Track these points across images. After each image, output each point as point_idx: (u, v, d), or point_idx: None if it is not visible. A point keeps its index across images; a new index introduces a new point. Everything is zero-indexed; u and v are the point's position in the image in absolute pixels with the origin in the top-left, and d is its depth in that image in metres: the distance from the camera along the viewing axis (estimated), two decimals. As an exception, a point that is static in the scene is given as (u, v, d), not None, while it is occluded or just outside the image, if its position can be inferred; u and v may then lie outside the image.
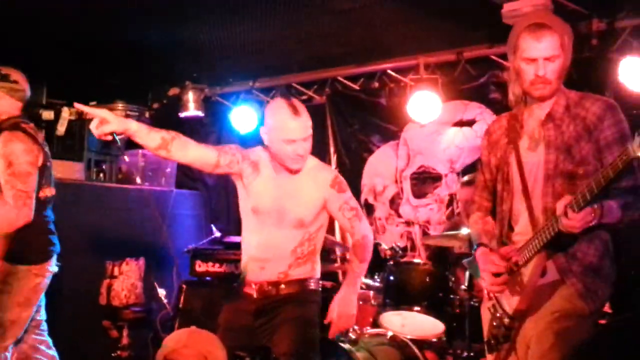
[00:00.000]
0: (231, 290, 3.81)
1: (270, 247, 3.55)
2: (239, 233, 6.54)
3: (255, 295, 3.55)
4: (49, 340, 4.35)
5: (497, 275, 3.08)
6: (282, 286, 3.55)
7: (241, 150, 3.55)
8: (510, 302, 3.04)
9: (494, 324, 3.14)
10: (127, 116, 6.78)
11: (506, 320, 3.06)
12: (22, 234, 3.92)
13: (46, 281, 4.14)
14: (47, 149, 4.21)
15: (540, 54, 2.87)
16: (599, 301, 2.95)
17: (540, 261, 2.91)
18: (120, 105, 6.83)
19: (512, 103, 3.16)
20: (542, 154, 2.98)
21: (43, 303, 4.25)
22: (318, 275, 3.69)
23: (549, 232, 2.81)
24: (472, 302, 4.62)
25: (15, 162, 3.90)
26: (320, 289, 3.70)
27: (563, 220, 2.67)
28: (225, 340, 3.29)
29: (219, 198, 7.21)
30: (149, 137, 3.25)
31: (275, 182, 3.53)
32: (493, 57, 6.08)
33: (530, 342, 2.97)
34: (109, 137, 3.09)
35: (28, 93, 4.27)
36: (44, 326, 4.33)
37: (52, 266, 4.17)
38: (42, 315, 4.29)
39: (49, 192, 4.17)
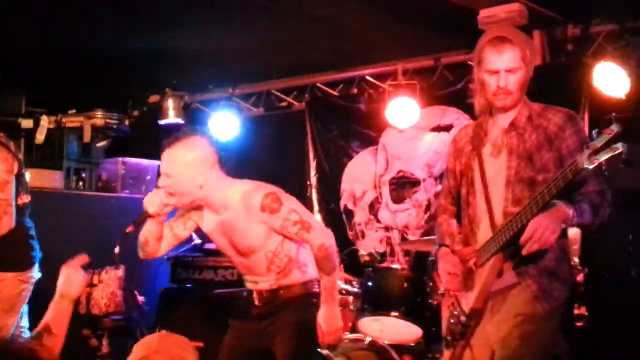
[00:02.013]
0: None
1: (248, 270, 3.62)
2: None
3: (257, 303, 3.61)
4: None
5: (454, 275, 3.20)
6: (281, 292, 3.57)
7: (187, 205, 3.59)
8: (468, 301, 3.14)
9: (452, 321, 3.25)
10: (106, 124, 6.81)
11: (463, 319, 3.15)
12: (5, 241, 3.99)
13: (30, 288, 4.20)
14: (20, 156, 4.25)
15: (502, 67, 2.99)
16: (554, 302, 3.02)
17: (496, 262, 3.01)
18: (99, 114, 6.81)
19: (477, 113, 3.27)
20: (504, 160, 3.09)
21: (26, 310, 4.27)
22: (312, 275, 3.59)
23: (506, 234, 2.92)
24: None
25: None
26: (315, 289, 3.61)
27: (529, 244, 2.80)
28: (237, 340, 3.65)
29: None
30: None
31: (216, 222, 3.53)
32: (471, 63, 6.09)
33: (495, 347, 3.07)
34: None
35: None
36: (27, 334, 4.35)
37: (36, 272, 4.23)
38: (25, 323, 4.32)
39: (26, 198, 4.24)
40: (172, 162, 3.40)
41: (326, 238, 3.50)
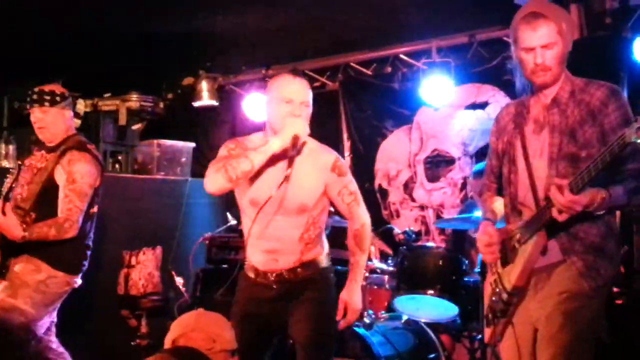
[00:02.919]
0: (238, 279, 3.73)
1: (276, 237, 3.44)
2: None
3: (274, 285, 3.48)
4: (57, 342, 4.54)
5: (491, 246, 3.20)
6: (299, 269, 3.47)
7: (240, 144, 3.48)
8: (510, 278, 3.10)
9: (493, 298, 3.22)
10: (141, 107, 6.86)
11: (504, 296, 3.12)
12: (66, 244, 4.15)
13: (69, 290, 4.36)
14: (103, 170, 4.48)
15: (537, 43, 2.95)
16: (601, 279, 2.97)
17: (540, 239, 2.97)
18: (134, 96, 6.85)
19: (519, 91, 3.26)
20: (546, 137, 3.05)
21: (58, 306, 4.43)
22: (327, 249, 3.62)
23: (550, 211, 2.86)
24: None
25: (78, 181, 4.18)
26: (330, 263, 3.63)
27: (557, 199, 2.73)
28: (243, 325, 3.37)
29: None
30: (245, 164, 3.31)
31: (275, 167, 3.38)
32: (506, 39, 6.03)
33: (538, 324, 3.03)
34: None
35: None
36: (54, 328, 4.50)
37: (79, 279, 4.38)
38: (55, 317, 4.45)
39: (95, 209, 4.42)
40: (308, 91, 3.45)
41: (368, 217, 3.61)
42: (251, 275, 3.56)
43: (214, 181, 3.30)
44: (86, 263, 4.41)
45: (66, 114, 4.38)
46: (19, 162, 4.51)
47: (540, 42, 2.94)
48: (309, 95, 3.45)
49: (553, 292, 2.98)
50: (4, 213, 4.03)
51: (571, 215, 2.77)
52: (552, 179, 2.94)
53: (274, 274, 3.47)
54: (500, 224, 3.29)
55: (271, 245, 3.45)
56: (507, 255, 3.17)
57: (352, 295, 3.51)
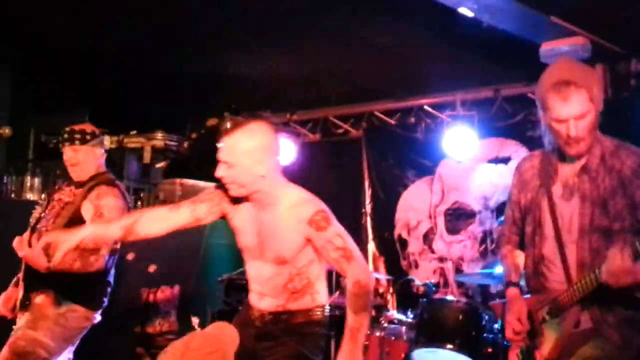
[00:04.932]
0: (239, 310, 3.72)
1: (262, 281, 3.37)
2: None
3: (257, 323, 3.38)
4: None
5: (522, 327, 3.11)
6: (284, 316, 3.34)
7: (220, 190, 3.37)
8: (541, 351, 3.05)
9: None
10: (165, 145, 6.94)
11: None
12: (88, 278, 4.15)
13: (89, 326, 4.32)
14: (131, 208, 4.52)
15: (569, 114, 2.85)
16: (632, 351, 2.92)
17: (575, 313, 2.93)
18: (159, 135, 6.95)
19: (547, 147, 3.15)
20: (576, 206, 2.97)
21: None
22: (323, 301, 3.39)
23: (588, 286, 2.83)
24: (505, 342, 4.58)
25: (106, 215, 4.18)
26: (327, 316, 3.40)
27: (614, 268, 2.68)
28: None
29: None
30: (110, 232, 3.33)
31: (254, 218, 3.31)
32: (530, 96, 6.08)
33: None
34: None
35: None
36: None
37: (98, 316, 4.36)
38: (71, 356, 4.46)
39: (119, 245, 4.42)
40: (234, 149, 3.12)
41: (364, 274, 3.23)
42: (247, 306, 3.50)
43: None
44: (106, 300, 4.40)
45: (97, 152, 4.43)
46: (48, 194, 4.57)
47: (573, 114, 2.84)
48: (235, 154, 3.16)
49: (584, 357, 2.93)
50: (30, 245, 4.07)
51: (619, 284, 2.71)
52: (585, 252, 2.92)
53: (258, 312, 3.37)
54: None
55: (257, 287, 3.38)
56: (535, 327, 3.11)
57: (346, 358, 3.18)
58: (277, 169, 3.25)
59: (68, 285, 4.14)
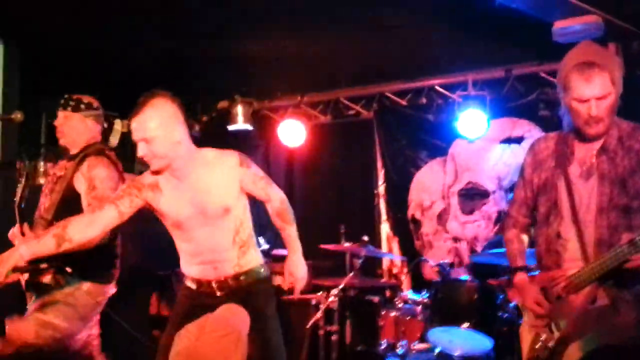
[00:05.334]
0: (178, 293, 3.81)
1: (210, 248, 3.53)
2: (285, 245, 6.61)
3: (218, 293, 3.54)
4: (103, 356, 4.47)
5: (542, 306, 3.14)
6: (242, 277, 3.54)
7: (135, 182, 3.54)
8: (557, 327, 3.08)
9: (537, 346, 3.16)
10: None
11: (551, 344, 3.09)
12: (92, 253, 4.00)
13: (105, 300, 4.28)
14: (125, 176, 4.39)
15: (591, 94, 2.90)
16: None
17: (592, 290, 2.96)
18: (170, 118, 6.92)
19: (565, 130, 3.18)
20: (595, 185, 3.01)
21: (98, 318, 4.37)
22: (261, 260, 3.70)
23: (607, 265, 2.85)
24: (520, 321, 4.59)
25: (99, 187, 4.09)
26: (269, 274, 3.73)
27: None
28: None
29: (266, 211, 7.23)
30: (44, 245, 3.35)
31: (181, 189, 3.48)
32: (542, 75, 6.07)
33: None
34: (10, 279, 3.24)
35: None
36: (97, 342, 4.45)
37: (112, 288, 4.31)
38: (96, 330, 4.42)
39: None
40: (146, 126, 3.33)
41: (281, 192, 3.74)
42: (193, 286, 3.62)
43: None
44: (116, 272, 4.31)
45: (89, 123, 4.33)
46: (46, 171, 4.49)
47: (595, 94, 2.89)
48: (149, 129, 3.35)
49: (604, 341, 2.95)
50: (23, 234, 4.05)
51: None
52: (604, 229, 2.94)
53: (216, 282, 3.53)
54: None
55: (208, 257, 3.53)
56: (550, 302, 3.13)
57: (296, 266, 3.69)
58: (187, 134, 3.44)
59: (73, 263, 4.04)
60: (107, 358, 4.47)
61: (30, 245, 3.30)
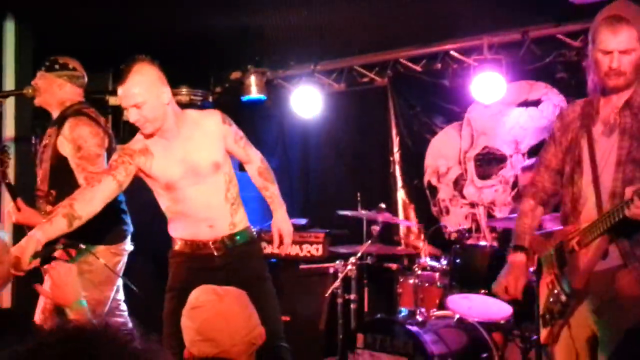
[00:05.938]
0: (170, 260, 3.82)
1: (204, 205, 3.62)
2: (302, 215, 6.57)
3: (216, 253, 3.63)
4: (130, 321, 4.44)
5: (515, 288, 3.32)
6: (237, 237, 3.67)
7: (125, 150, 3.59)
8: (569, 280, 3.12)
9: (551, 299, 3.23)
10: (190, 100, 6.91)
11: (563, 298, 3.14)
12: (99, 216, 3.96)
13: (124, 260, 4.26)
14: (110, 131, 4.37)
15: (615, 47, 2.95)
16: None
17: (602, 244, 2.97)
18: (184, 90, 6.92)
19: (590, 90, 3.21)
20: (615, 140, 3.04)
21: (120, 283, 4.34)
22: (248, 222, 3.83)
23: (614, 216, 2.85)
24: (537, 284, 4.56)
25: (84, 146, 4.07)
26: (256, 235, 3.93)
27: (632, 206, 2.72)
28: (180, 298, 3.23)
29: (281, 180, 7.23)
30: (57, 227, 3.33)
31: (172, 149, 3.57)
32: (559, 37, 5.97)
33: (595, 327, 3.05)
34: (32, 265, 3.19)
35: (86, 79, 4.45)
36: (124, 306, 4.43)
37: (128, 245, 4.29)
38: (121, 295, 4.39)
39: None
40: (135, 91, 3.42)
41: (260, 153, 3.95)
42: (187, 250, 3.69)
43: None
44: (127, 227, 4.30)
45: (60, 82, 4.26)
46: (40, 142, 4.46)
47: (619, 47, 2.95)
48: (139, 94, 3.42)
49: (612, 297, 2.98)
50: (19, 209, 4.03)
51: None
52: (618, 182, 2.95)
53: (214, 242, 3.63)
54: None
55: (204, 215, 3.62)
56: (564, 256, 3.16)
57: (282, 222, 3.87)
58: (172, 95, 3.57)
59: (82, 234, 3.86)
60: (134, 324, 4.44)
61: (44, 229, 3.30)
